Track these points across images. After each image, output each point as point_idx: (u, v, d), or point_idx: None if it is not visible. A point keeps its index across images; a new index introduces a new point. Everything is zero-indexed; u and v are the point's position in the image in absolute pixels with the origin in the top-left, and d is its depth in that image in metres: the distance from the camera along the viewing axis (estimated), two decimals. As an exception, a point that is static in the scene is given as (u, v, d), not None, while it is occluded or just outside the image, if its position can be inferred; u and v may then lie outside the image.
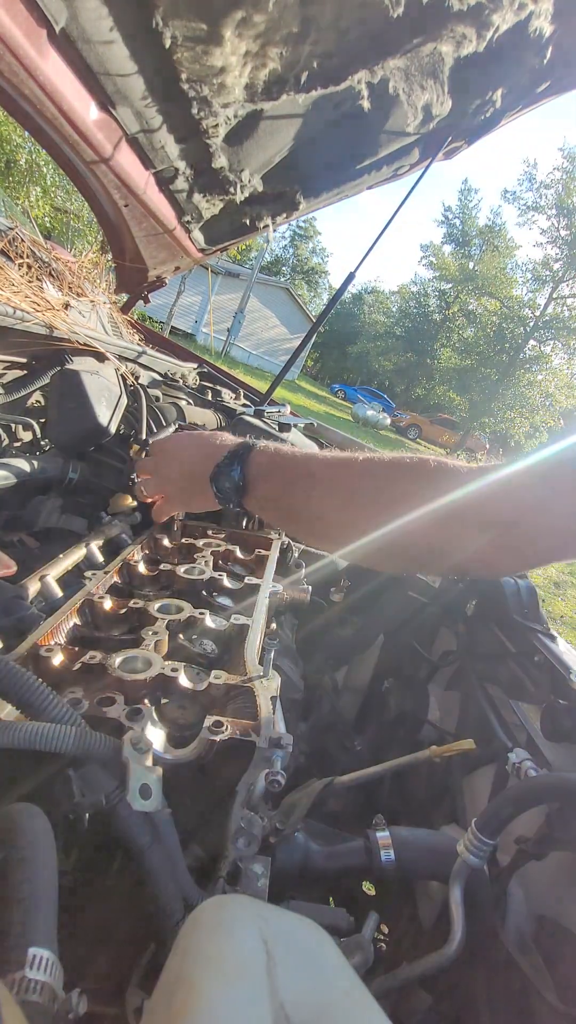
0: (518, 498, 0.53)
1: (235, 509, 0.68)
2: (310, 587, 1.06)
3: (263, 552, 1.01)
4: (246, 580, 0.87)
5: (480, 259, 27.33)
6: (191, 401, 1.59)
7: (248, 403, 2.03)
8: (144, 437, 1.11)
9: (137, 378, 1.36)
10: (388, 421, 22.29)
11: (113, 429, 1.11)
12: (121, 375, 1.25)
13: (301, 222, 40.59)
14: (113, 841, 0.43)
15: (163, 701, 0.60)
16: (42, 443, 1.23)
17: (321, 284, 46.49)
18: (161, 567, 0.87)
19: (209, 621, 0.74)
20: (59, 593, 0.76)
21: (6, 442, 1.11)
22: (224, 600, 0.86)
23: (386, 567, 0.69)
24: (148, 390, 1.33)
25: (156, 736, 0.54)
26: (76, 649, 0.62)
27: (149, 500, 0.81)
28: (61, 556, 0.83)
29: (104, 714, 0.51)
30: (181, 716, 0.59)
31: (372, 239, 1.91)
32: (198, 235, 1.73)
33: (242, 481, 0.65)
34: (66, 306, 1.28)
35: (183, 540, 1.00)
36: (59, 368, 1.14)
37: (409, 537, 0.56)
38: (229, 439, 0.72)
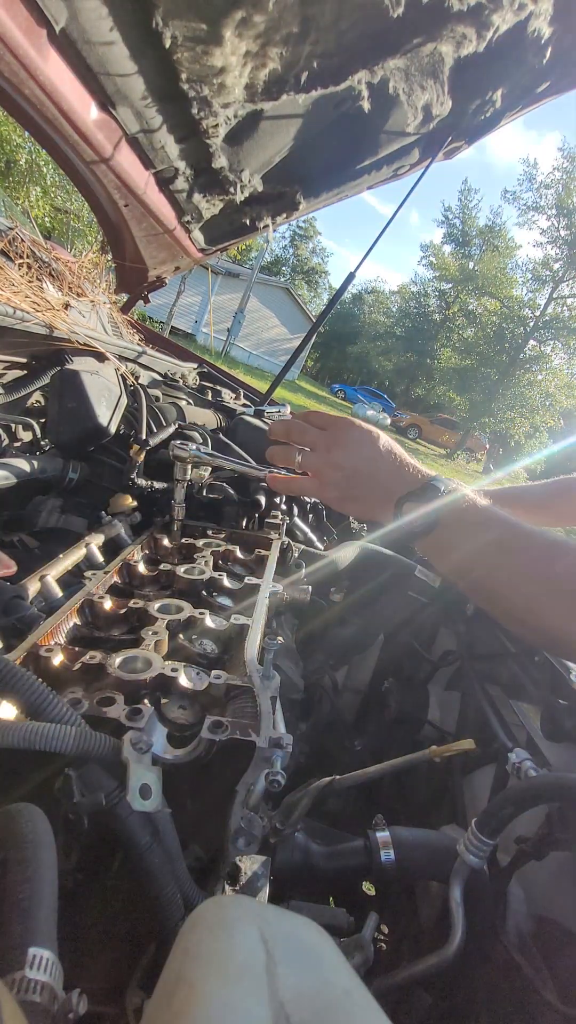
0: None
1: (407, 540, 0.67)
2: (310, 587, 1.06)
3: (263, 552, 1.01)
4: (246, 580, 0.88)
5: (480, 259, 27.34)
6: (191, 401, 1.59)
7: (248, 403, 2.03)
8: (144, 437, 1.11)
9: (137, 378, 1.36)
10: (388, 421, 22.30)
11: (113, 429, 1.11)
12: (121, 375, 1.25)
13: (301, 222, 40.60)
14: (113, 841, 0.43)
15: (163, 701, 0.60)
16: (42, 443, 1.23)
17: (321, 284, 46.50)
18: (161, 567, 0.87)
19: (209, 621, 0.74)
20: (59, 593, 0.76)
21: (6, 442, 1.11)
22: (224, 600, 0.86)
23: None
24: (148, 390, 1.33)
25: (156, 736, 0.54)
26: (76, 649, 0.62)
27: (294, 471, 0.75)
28: (61, 556, 0.83)
29: (104, 714, 0.51)
30: (181, 716, 0.59)
31: (372, 239, 1.91)
32: (198, 235, 1.73)
33: (435, 521, 0.63)
34: (66, 306, 1.28)
35: (183, 540, 1.00)
36: (59, 368, 1.14)
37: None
38: (424, 469, 0.70)
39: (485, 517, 0.64)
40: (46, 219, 9.99)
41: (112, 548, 0.94)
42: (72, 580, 0.82)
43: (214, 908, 0.31)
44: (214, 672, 0.61)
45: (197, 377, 2.05)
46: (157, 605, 0.75)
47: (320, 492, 0.73)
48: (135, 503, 1.06)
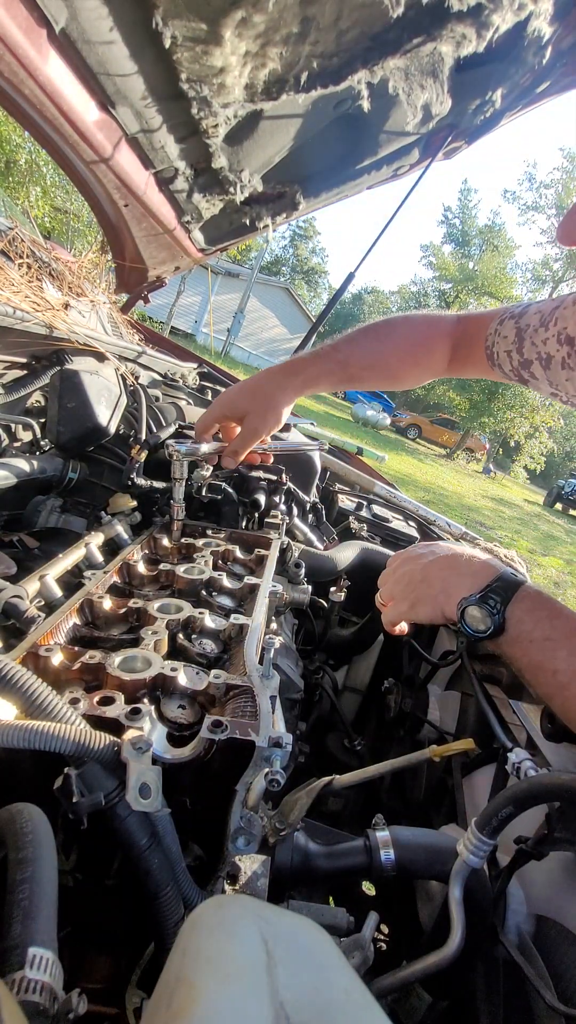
0: None
1: (476, 642, 0.64)
2: (310, 587, 1.06)
3: (263, 552, 1.01)
4: (246, 580, 0.88)
5: (480, 259, 27.34)
6: (191, 401, 1.59)
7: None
8: (144, 437, 1.11)
9: (137, 378, 1.36)
10: (388, 421, 22.30)
11: (113, 429, 1.11)
12: (121, 375, 1.25)
13: (301, 222, 40.60)
14: (113, 841, 0.43)
15: (163, 701, 0.60)
16: (42, 443, 1.23)
17: (321, 284, 46.50)
18: (161, 567, 0.87)
19: (209, 621, 0.74)
20: (59, 593, 0.76)
21: (6, 442, 1.11)
22: (224, 600, 0.86)
23: None
24: (148, 390, 1.33)
25: (156, 736, 0.54)
26: (76, 649, 0.62)
27: (382, 606, 0.78)
28: (61, 556, 0.83)
29: (104, 714, 0.51)
30: (181, 716, 0.59)
31: (372, 239, 1.91)
32: (198, 235, 1.73)
33: (501, 626, 0.60)
34: (66, 306, 1.28)
35: (183, 540, 1.00)
36: (59, 368, 1.14)
37: None
38: (479, 556, 0.68)
39: (552, 609, 0.59)
40: (46, 219, 9.99)
41: (112, 548, 0.94)
42: (72, 580, 0.82)
43: (214, 908, 0.31)
44: (214, 672, 0.61)
45: (197, 377, 2.05)
46: (157, 605, 0.75)
47: (395, 614, 0.74)
48: (135, 503, 1.06)
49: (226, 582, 0.87)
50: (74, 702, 0.52)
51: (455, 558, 0.68)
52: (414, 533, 1.74)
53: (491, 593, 0.61)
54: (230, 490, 1.15)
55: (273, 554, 1.01)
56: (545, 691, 0.58)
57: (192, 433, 1.03)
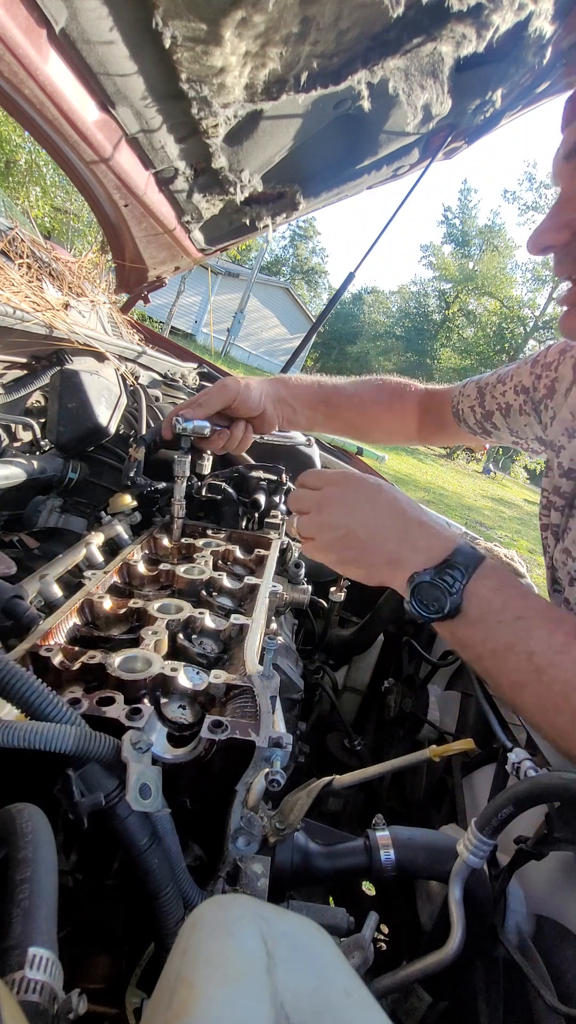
0: None
1: (425, 624, 0.57)
2: (310, 587, 1.06)
3: (263, 552, 1.01)
4: (246, 580, 0.88)
5: (480, 259, 27.35)
6: (191, 401, 1.59)
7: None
8: (144, 437, 1.11)
9: (137, 378, 1.36)
10: (388, 421, 22.27)
11: (113, 429, 1.11)
12: (121, 375, 1.25)
13: (301, 222, 40.62)
14: (113, 841, 0.43)
15: (163, 701, 0.60)
16: (42, 443, 1.23)
17: (321, 284, 46.52)
18: (161, 567, 0.87)
19: (209, 621, 0.74)
20: (59, 593, 0.76)
21: (6, 442, 1.11)
22: (224, 600, 0.86)
23: None
24: (148, 390, 1.33)
25: (156, 736, 0.54)
26: (76, 649, 0.62)
27: (300, 538, 0.69)
28: (61, 556, 0.83)
29: (104, 714, 0.51)
30: (181, 716, 0.59)
31: (372, 239, 1.91)
32: (198, 235, 1.73)
33: (456, 608, 0.53)
34: (66, 306, 1.28)
35: (183, 540, 1.00)
36: (59, 368, 1.14)
37: None
38: (432, 525, 0.59)
39: (516, 615, 0.53)
40: (46, 219, 10.00)
41: (112, 548, 0.94)
42: (72, 580, 0.82)
43: (214, 908, 0.31)
44: (214, 672, 0.61)
45: (197, 377, 2.05)
46: (157, 605, 0.75)
47: (316, 555, 0.67)
48: (135, 503, 1.06)
49: (226, 582, 0.87)
50: (74, 702, 0.52)
51: (406, 522, 0.59)
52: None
53: (448, 569, 0.54)
54: (230, 490, 1.15)
55: (273, 554, 1.01)
56: (515, 678, 0.52)
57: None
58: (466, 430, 1.08)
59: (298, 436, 1.54)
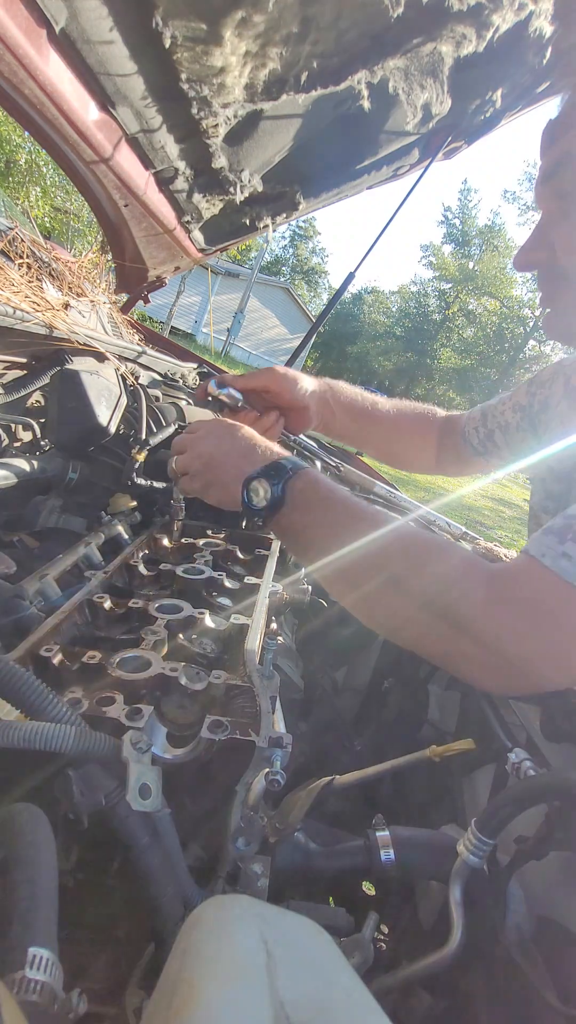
0: None
1: (255, 521, 0.67)
2: (310, 587, 1.06)
3: (263, 552, 1.01)
4: (246, 580, 0.88)
5: (480, 259, 27.36)
6: (191, 401, 1.59)
7: (248, 403, 2.03)
8: (144, 437, 1.11)
9: (137, 378, 1.36)
10: (388, 421, 22.26)
11: (113, 429, 1.11)
12: (121, 375, 1.25)
13: (301, 222, 40.60)
14: (113, 841, 0.43)
15: (163, 701, 0.60)
16: (42, 443, 1.23)
17: (321, 284, 46.52)
18: (161, 567, 0.87)
19: (209, 621, 0.74)
20: (59, 593, 0.76)
21: (6, 442, 1.11)
22: (224, 600, 0.86)
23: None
24: (148, 390, 1.33)
25: (156, 736, 0.54)
26: (76, 649, 0.62)
27: (180, 475, 0.81)
28: (61, 556, 0.83)
29: (104, 714, 0.51)
30: (181, 716, 0.59)
31: (372, 239, 1.91)
32: (198, 235, 1.73)
33: (280, 499, 0.64)
34: (66, 306, 1.28)
35: (183, 540, 1.00)
36: (59, 368, 1.14)
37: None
38: (270, 446, 0.72)
39: (323, 492, 0.64)
40: (46, 219, 10.00)
41: (112, 548, 0.94)
42: (72, 580, 0.82)
43: (214, 908, 0.31)
44: (214, 672, 0.61)
45: (197, 377, 2.05)
46: (157, 605, 0.75)
47: (187, 486, 0.78)
48: (135, 503, 1.06)
49: (226, 582, 0.87)
50: (74, 702, 0.52)
51: (251, 447, 0.71)
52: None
53: (273, 470, 0.65)
54: (230, 490, 1.15)
55: (273, 554, 1.01)
56: (324, 545, 0.62)
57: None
58: (471, 452, 1.11)
59: (301, 437, 1.54)
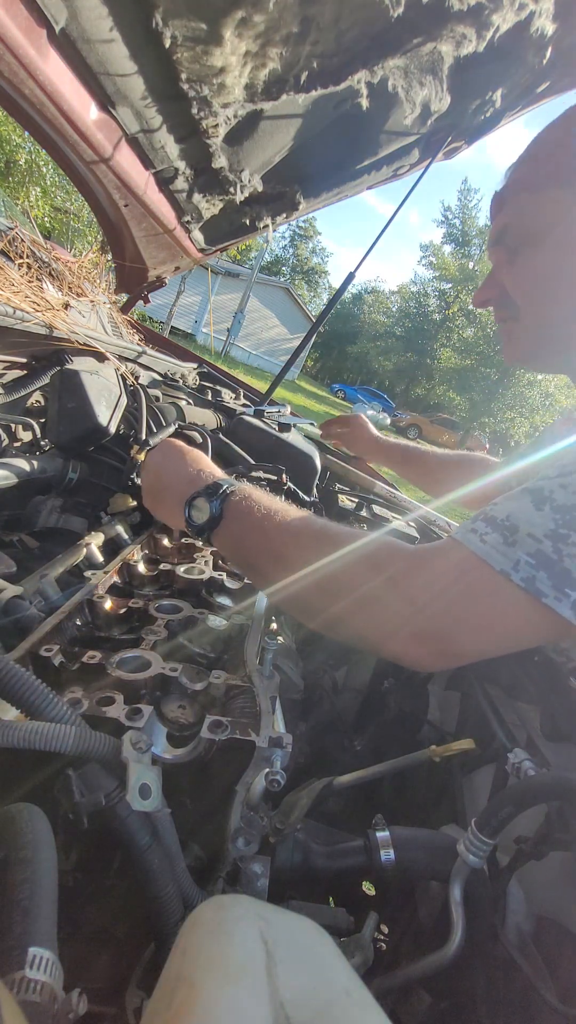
0: None
1: (199, 540, 0.72)
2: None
3: (263, 552, 1.01)
4: (246, 580, 0.87)
5: (480, 259, 27.34)
6: (191, 401, 1.59)
7: (248, 403, 2.03)
8: (144, 437, 1.11)
9: (137, 378, 1.36)
10: (388, 421, 22.30)
11: (113, 429, 1.11)
12: (121, 375, 1.25)
13: (301, 222, 40.61)
14: (113, 841, 0.43)
15: (163, 701, 0.60)
16: (42, 443, 1.22)
17: (321, 284, 46.51)
18: (161, 567, 0.87)
19: (209, 621, 0.74)
20: (59, 593, 0.76)
21: (6, 442, 1.11)
22: (224, 600, 0.86)
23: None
24: (148, 390, 1.33)
25: (156, 736, 0.54)
26: (76, 649, 0.62)
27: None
28: (61, 556, 0.83)
29: (104, 714, 0.51)
30: (181, 716, 0.59)
31: (372, 239, 1.91)
32: (198, 235, 1.73)
33: (218, 516, 0.69)
34: (66, 306, 1.28)
35: (183, 540, 1.00)
36: (59, 368, 1.14)
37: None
38: (212, 470, 0.77)
39: (253, 505, 0.68)
40: (46, 219, 9.99)
41: (112, 548, 0.94)
42: (72, 580, 0.82)
43: (214, 908, 0.31)
44: (214, 672, 0.61)
45: (197, 377, 2.05)
46: (157, 605, 0.75)
47: (149, 505, 0.84)
48: (135, 503, 1.06)
49: (226, 582, 0.87)
50: (74, 702, 0.52)
51: (196, 470, 0.76)
52: (414, 533, 1.73)
53: (211, 491, 0.71)
54: (230, 490, 1.14)
55: (273, 554, 1.01)
56: (258, 553, 0.67)
57: (192, 433, 1.05)
58: None
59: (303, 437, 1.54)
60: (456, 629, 0.56)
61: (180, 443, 0.84)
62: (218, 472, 0.78)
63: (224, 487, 0.70)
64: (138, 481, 1.07)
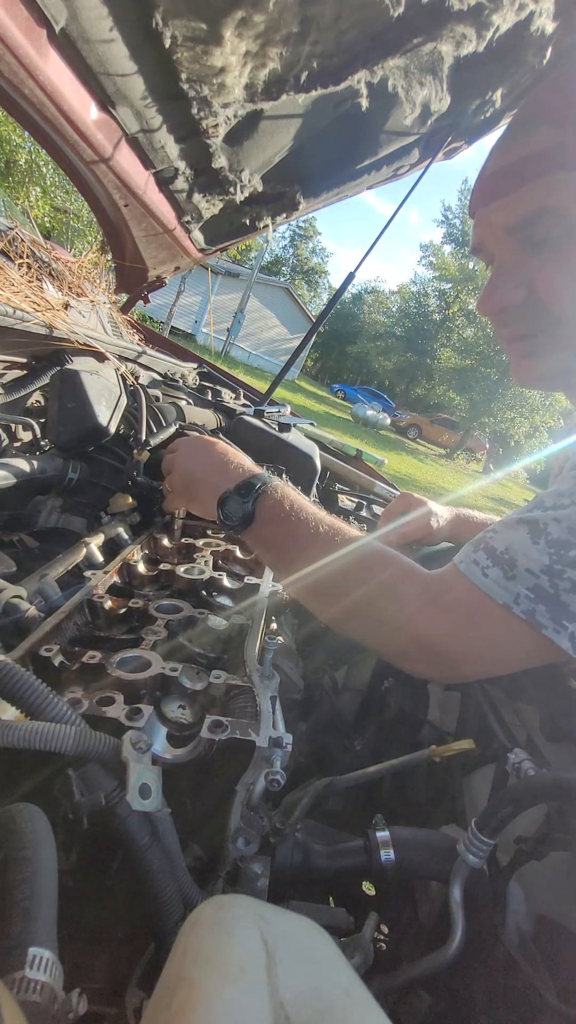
0: None
1: (231, 533, 0.74)
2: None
3: (263, 552, 1.01)
4: (246, 580, 0.88)
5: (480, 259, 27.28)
6: (191, 401, 1.59)
7: (248, 403, 2.03)
8: (144, 437, 1.11)
9: (137, 378, 1.36)
10: (388, 421, 22.28)
11: (113, 429, 1.11)
12: (121, 375, 1.25)
13: (301, 222, 40.62)
14: (113, 841, 0.43)
15: (163, 701, 0.60)
16: (42, 443, 1.22)
17: (321, 284, 46.51)
18: (161, 567, 0.87)
19: (209, 621, 0.74)
20: (59, 593, 0.76)
21: (6, 442, 1.11)
22: (224, 600, 0.86)
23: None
24: (148, 390, 1.33)
25: (156, 736, 0.54)
26: (76, 649, 0.62)
27: (169, 493, 0.87)
28: (61, 556, 0.83)
29: (104, 714, 0.51)
30: (181, 716, 0.59)
31: (372, 239, 1.91)
32: (198, 235, 1.73)
33: (251, 515, 0.70)
34: (66, 306, 1.28)
35: (183, 540, 1.00)
36: (59, 368, 1.14)
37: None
38: (247, 464, 0.77)
39: (292, 509, 0.69)
40: (46, 219, 9.99)
41: (112, 548, 0.94)
42: (72, 580, 0.82)
43: (214, 908, 0.31)
44: (214, 672, 0.61)
45: (197, 377, 2.05)
46: (157, 605, 0.75)
47: (173, 502, 0.85)
48: (135, 503, 1.06)
49: (226, 582, 0.87)
50: (74, 702, 0.52)
51: (226, 462, 0.77)
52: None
53: (245, 487, 0.71)
54: (230, 490, 1.14)
55: (273, 554, 1.01)
56: (291, 557, 0.68)
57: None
58: None
59: (305, 438, 1.54)
60: (462, 655, 0.60)
61: (210, 437, 0.85)
62: (248, 463, 0.78)
63: (256, 487, 0.71)
64: (139, 481, 1.07)
